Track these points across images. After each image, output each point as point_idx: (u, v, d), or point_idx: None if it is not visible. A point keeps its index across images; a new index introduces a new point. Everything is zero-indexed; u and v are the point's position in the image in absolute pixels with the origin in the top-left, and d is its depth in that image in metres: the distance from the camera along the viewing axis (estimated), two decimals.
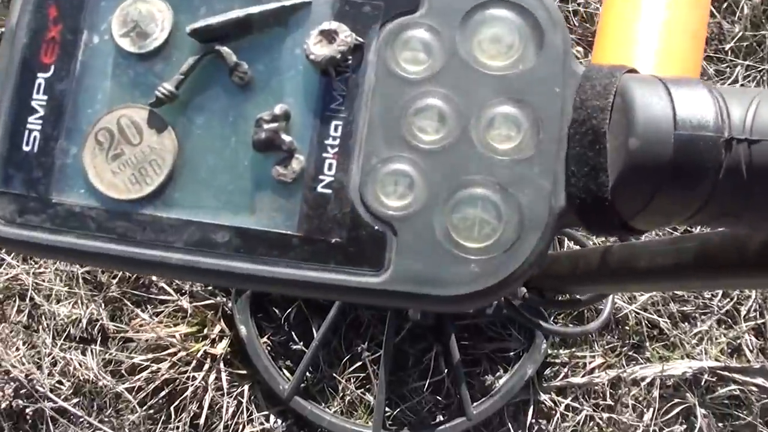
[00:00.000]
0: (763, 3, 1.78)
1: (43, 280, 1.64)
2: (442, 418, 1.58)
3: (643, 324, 1.64)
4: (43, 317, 1.64)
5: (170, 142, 0.45)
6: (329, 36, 0.44)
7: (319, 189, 0.45)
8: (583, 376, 1.62)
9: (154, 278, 1.62)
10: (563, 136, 0.44)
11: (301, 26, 0.46)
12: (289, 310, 1.59)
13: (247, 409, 1.59)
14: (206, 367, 1.59)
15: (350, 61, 0.45)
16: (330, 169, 0.45)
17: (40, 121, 0.46)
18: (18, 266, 1.66)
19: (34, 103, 0.46)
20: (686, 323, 1.65)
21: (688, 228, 1.52)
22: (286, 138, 0.44)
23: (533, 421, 1.60)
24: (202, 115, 0.46)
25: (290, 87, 0.46)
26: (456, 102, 0.44)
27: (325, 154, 0.45)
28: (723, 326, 1.66)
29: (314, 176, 0.45)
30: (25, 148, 0.46)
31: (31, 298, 1.65)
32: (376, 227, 0.44)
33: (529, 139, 0.44)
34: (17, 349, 1.63)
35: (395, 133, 0.45)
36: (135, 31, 0.46)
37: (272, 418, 1.59)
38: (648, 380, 1.61)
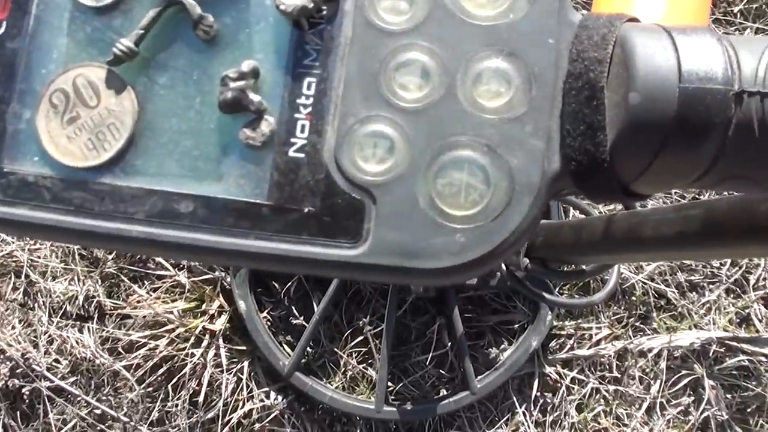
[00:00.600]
0: None
1: (39, 257, 1.62)
2: (445, 392, 1.56)
3: (650, 294, 1.61)
4: (38, 295, 1.62)
5: (130, 104, 0.42)
6: None
7: (291, 153, 0.41)
8: (589, 347, 1.59)
9: None
10: (558, 91, 0.40)
11: None
12: (289, 284, 1.56)
13: (247, 386, 1.57)
14: (205, 343, 1.57)
15: (325, 12, 0.41)
16: (302, 131, 0.41)
17: None
18: (13, 243, 1.63)
19: None
20: (694, 293, 1.63)
21: (696, 195, 1.48)
22: (254, 97, 0.40)
23: (538, 394, 1.58)
24: (165, 73, 0.42)
25: (259, 41, 0.42)
26: (440, 56, 0.41)
27: (297, 115, 0.41)
28: (731, 295, 1.63)
29: (285, 139, 0.41)
30: None
31: (27, 276, 1.63)
32: (354, 195, 0.40)
33: (521, 95, 0.40)
34: (13, 328, 1.61)
35: (374, 91, 0.41)
36: None
37: (272, 394, 1.57)
38: (655, 351, 1.58)
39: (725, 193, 0.52)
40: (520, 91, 0.40)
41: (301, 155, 0.41)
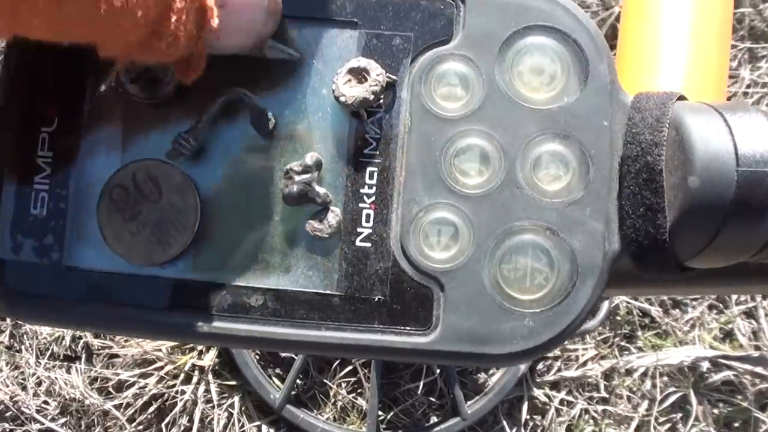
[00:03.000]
0: None
1: None
2: (436, 420, 1.56)
3: (635, 313, 1.63)
4: (25, 337, 1.61)
5: (192, 198, 0.42)
6: (359, 75, 0.41)
7: (358, 243, 0.42)
8: (576, 369, 1.61)
9: None
10: (614, 173, 0.41)
11: (327, 63, 0.43)
12: None
13: (239, 421, 1.57)
14: (195, 379, 1.57)
15: (382, 100, 0.42)
16: (368, 220, 0.42)
17: (47, 181, 0.43)
18: None
19: (39, 161, 0.43)
20: (677, 310, 1.65)
21: None
22: (320, 190, 0.41)
23: (528, 417, 1.59)
24: (226, 166, 0.42)
25: (319, 132, 0.43)
26: (498, 140, 0.42)
27: (361, 204, 0.42)
28: (714, 311, 1.65)
29: (352, 229, 0.42)
30: (34, 211, 0.43)
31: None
32: (422, 282, 0.41)
33: (579, 178, 0.41)
34: (0, 371, 1.60)
35: (436, 178, 0.42)
36: (145, 75, 0.42)
37: (264, 428, 1.57)
38: (642, 370, 1.59)
39: None
40: (577, 174, 0.41)
41: (368, 244, 0.42)
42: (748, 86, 1.75)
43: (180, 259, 0.42)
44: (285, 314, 0.41)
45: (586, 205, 0.41)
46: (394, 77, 0.42)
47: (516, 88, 0.42)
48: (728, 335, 1.65)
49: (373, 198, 0.42)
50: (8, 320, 1.61)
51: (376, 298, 0.41)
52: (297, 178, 0.41)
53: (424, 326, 0.41)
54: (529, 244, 0.41)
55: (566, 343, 1.60)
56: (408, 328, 0.41)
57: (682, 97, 0.43)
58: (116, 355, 1.59)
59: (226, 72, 0.42)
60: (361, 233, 0.42)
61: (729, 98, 1.75)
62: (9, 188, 0.43)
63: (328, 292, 0.42)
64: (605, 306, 1.30)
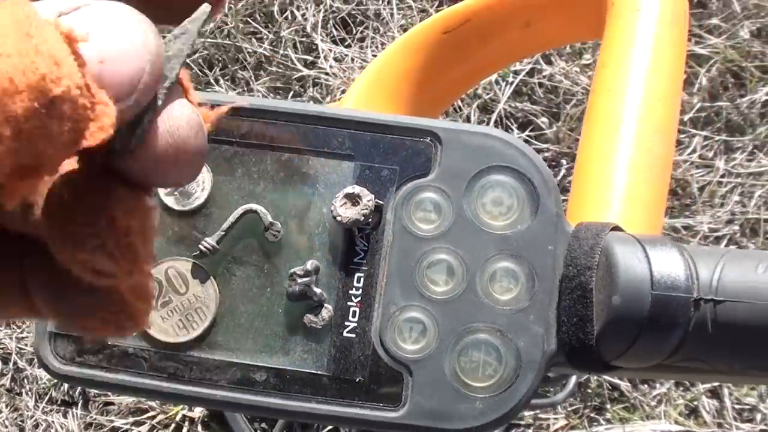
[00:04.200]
0: (720, 75, 1.87)
1: (26, 345, 1.69)
2: None
3: (605, 386, 1.71)
4: (25, 381, 1.68)
5: (213, 291, 0.51)
6: (353, 199, 0.51)
7: (345, 334, 0.51)
8: None
9: None
10: (555, 288, 0.51)
11: (328, 187, 0.52)
12: None
13: None
14: (185, 430, 1.63)
15: (370, 220, 0.52)
16: (354, 316, 0.51)
17: None
18: (1, 330, 1.70)
19: None
20: (645, 385, 1.72)
21: None
22: (317, 290, 0.51)
23: None
24: (241, 267, 0.52)
25: (318, 243, 0.52)
26: (463, 257, 0.51)
27: (349, 303, 0.51)
28: (681, 388, 1.73)
29: (340, 323, 0.51)
30: None
31: (15, 363, 1.68)
32: (394, 368, 0.51)
33: (526, 291, 0.51)
34: (0, 413, 1.67)
35: (410, 285, 0.51)
36: (178, 190, 0.52)
37: None
38: None
39: None
40: (525, 288, 0.51)
41: (353, 335, 0.51)
42: (723, 176, 1.84)
43: (201, 340, 0.51)
44: (283, 388, 0.51)
45: (530, 313, 0.51)
46: (381, 202, 0.52)
47: (479, 216, 0.52)
48: (693, 412, 1.72)
49: (359, 298, 0.51)
50: (10, 364, 1.69)
51: (357, 379, 0.51)
52: (299, 280, 0.51)
53: (395, 404, 0.50)
54: (482, 342, 0.50)
55: (538, 412, 1.68)
56: (381, 404, 0.50)
57: (616, 227, 0.52)
58: (111, 403, 1.66)
59: (245, 191, 0.52)
60: (348, 326, 0.51)
61: (702, 188, 1.84)
62: None
63: (319, 372, 0.51)
64: (573, 379, 1.39)
